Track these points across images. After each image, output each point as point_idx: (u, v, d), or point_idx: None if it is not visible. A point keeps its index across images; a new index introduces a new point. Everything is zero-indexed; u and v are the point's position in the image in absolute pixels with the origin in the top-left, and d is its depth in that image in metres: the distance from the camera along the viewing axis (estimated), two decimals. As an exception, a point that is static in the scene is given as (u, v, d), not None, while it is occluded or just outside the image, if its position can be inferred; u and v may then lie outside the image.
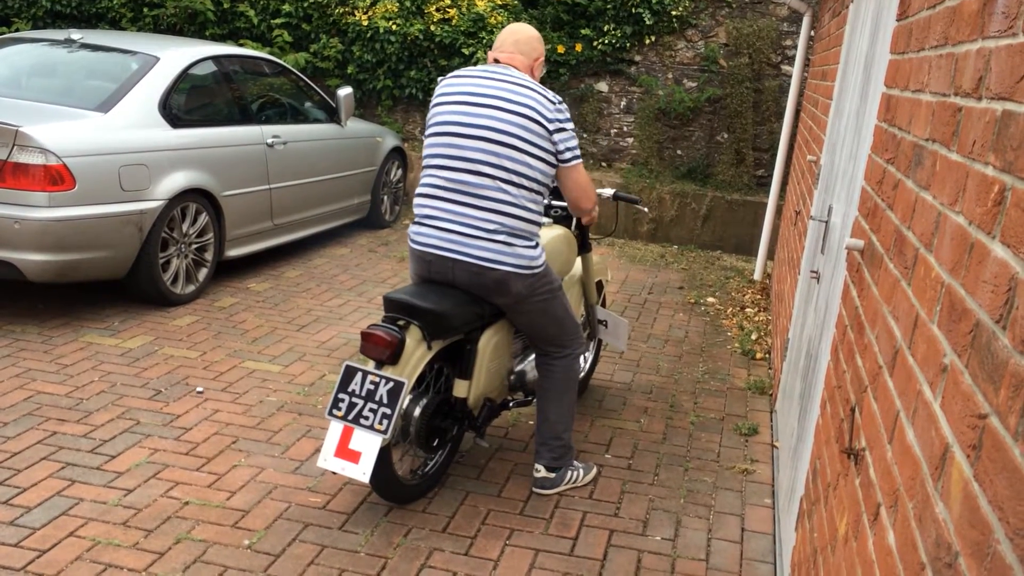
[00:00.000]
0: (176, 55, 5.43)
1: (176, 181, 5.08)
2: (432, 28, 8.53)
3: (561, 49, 8.46)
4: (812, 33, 6.85)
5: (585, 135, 8.83)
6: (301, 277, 6.12)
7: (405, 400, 3.07)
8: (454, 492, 3.42)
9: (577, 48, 8.48)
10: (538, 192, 3.16)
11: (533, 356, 3.63)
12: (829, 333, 2.74)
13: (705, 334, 5.68)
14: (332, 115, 6.82)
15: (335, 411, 2.97)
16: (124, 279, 4.99)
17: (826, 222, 3.36)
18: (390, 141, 7.67)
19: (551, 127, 3.10)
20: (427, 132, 3.22)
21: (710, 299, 6.49)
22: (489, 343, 3.32)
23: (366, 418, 2.93)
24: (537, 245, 3.18)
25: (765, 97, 8.29)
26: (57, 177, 4.48)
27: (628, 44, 8.50)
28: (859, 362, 2.02)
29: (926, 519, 1.24)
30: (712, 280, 7.10)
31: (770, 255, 7.39)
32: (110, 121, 4.84)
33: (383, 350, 2.99)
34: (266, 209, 5.95)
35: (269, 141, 5.92)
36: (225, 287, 5.71)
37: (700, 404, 4.52)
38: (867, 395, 1.85)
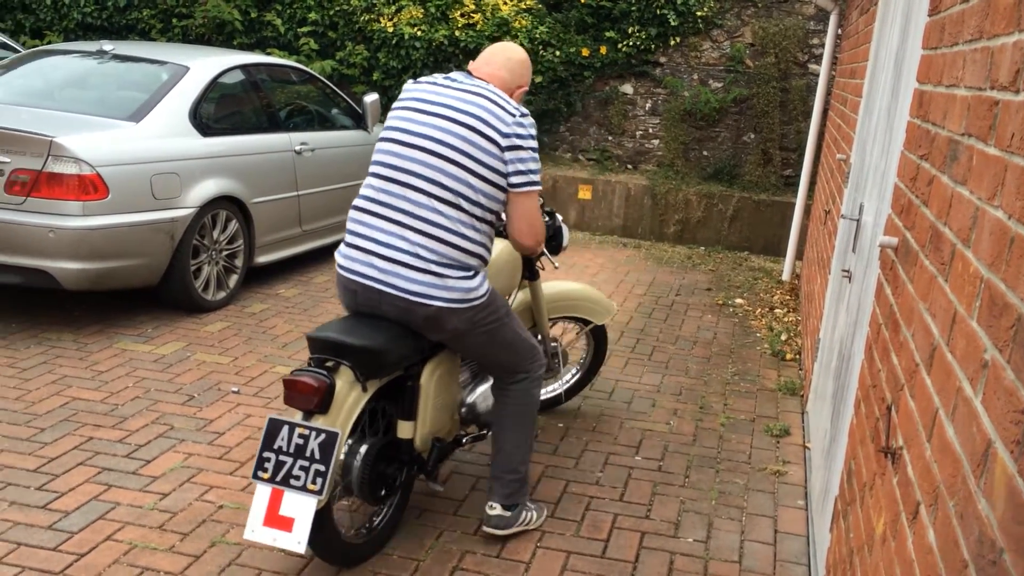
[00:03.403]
0: (205, 65, 5.50)
1: (207, 189, 5.13)
2: (457, 33, 8.57)
3: (586, 52, 8.46)
4: (840, 31, 6.79)
5: (610, 138, 8.82)
6: (329, 282, 6.16)
7: (341, 452, 2.72)
8: (485, 495, 3.42)
9: (602, 51, 8.48)
10: (482, 219, 2.76)
11: (486, 384, 3.33)
12: (862, 332, 2.71)
13: (734, 335, 5.64)
14: (359, 121, 6.87)
15: (260, 473, 2.59)
16: (157, 286, 5.05)
17: (857, 220, 3.33)
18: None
19: (504, 143, 2.71)
20: (377, 139, 2.97)
21: (738, 300, 6.46)
22: (432, 378, 2.95)
23: (296, 478, 2.56)
24: (476, 274, 2.78)
25: (792, 96, 8.24)
26: (91, 186, 4.54)
27: (653, 46, 8.48)
28: (895, 360, 2.00)
29: (968, 516, 1.22)
30: (740, 281, 7.06)
31: (799, 255, 7.33)
32: (142, 130, 4.91)
33: (310, 398, 2.61)
34: (295, 215, 6.00)
35: (297, 148, 5.97)
36: (255, 293, 5.76)
37: (730, 405, 4.49)
38: (904, 393, 1.83)
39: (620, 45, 8.46)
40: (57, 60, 5.62)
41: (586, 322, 4.01)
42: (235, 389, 2.77)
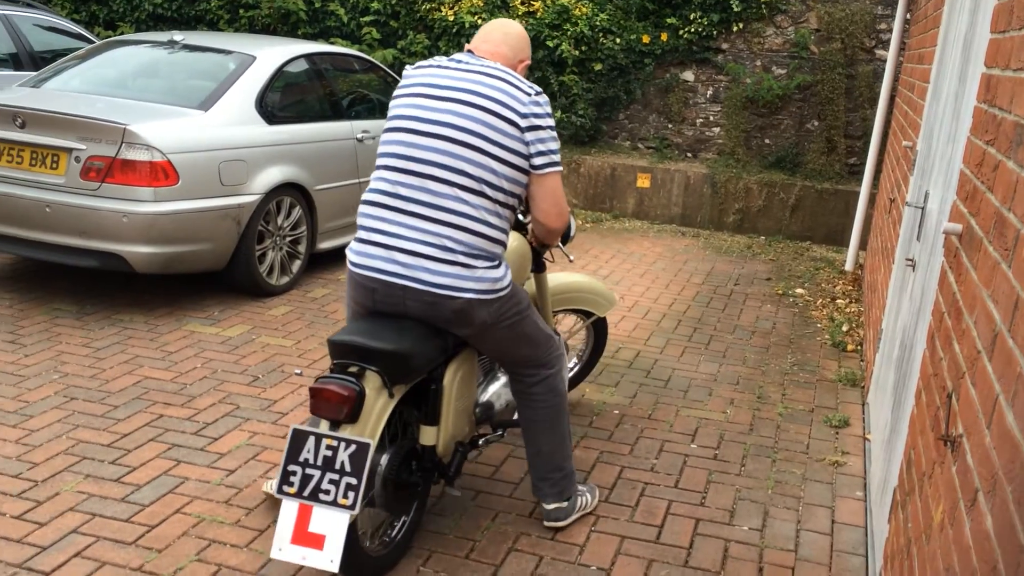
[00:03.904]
0: (271, 54, 5.62)
1: (272, 176, 5.26)
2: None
3: (646, 39, 8.41)
4: (908, 16, 6.63)
5: (670, 125, 8.75)
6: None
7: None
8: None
9: (662, 37, 8.41)
10: (504, 204, 2.65)
11: (499, 381, 3.26)
12: (925, 321, 2.67)
13: (794, 325, 5.58)
14: (419, 109, 6.92)
15: (286, 487, 2.44)
16: (223, 271, 5.20)
17: (922, 208, 3.27)
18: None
19: (523, 124, 2.60)
20: (383, 129, 2.74)
21: (799, 290, 6.37)
22: (455, 379, 2.84)
23: (326, 492, 2.42)
24: (501, 263, 2.68)
25: (858, 83, 8.07)
26: (162, 173, 4.69)
27: (715, 32, 8.38)
28: (956, 348, 1.98)
29: (1025, 502, 1.22)
30: (801, 271, 6.96)
31: (862, 245, 7.20)
32: (210, 119, 5.05)
33: (340, 408, 2.47)
34: (356, 202, 6.10)
35: (359, 136, 6.06)
36: (317, 278, 5.88)
37: (788, 395, 4.45)
38: (964, 381, 1.81)
39: (681, 31, 8.38)
40: (129, 50, 5.79)
41: (588, 314, 3.92)
42: (298, 371, 2.83)
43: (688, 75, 8.62)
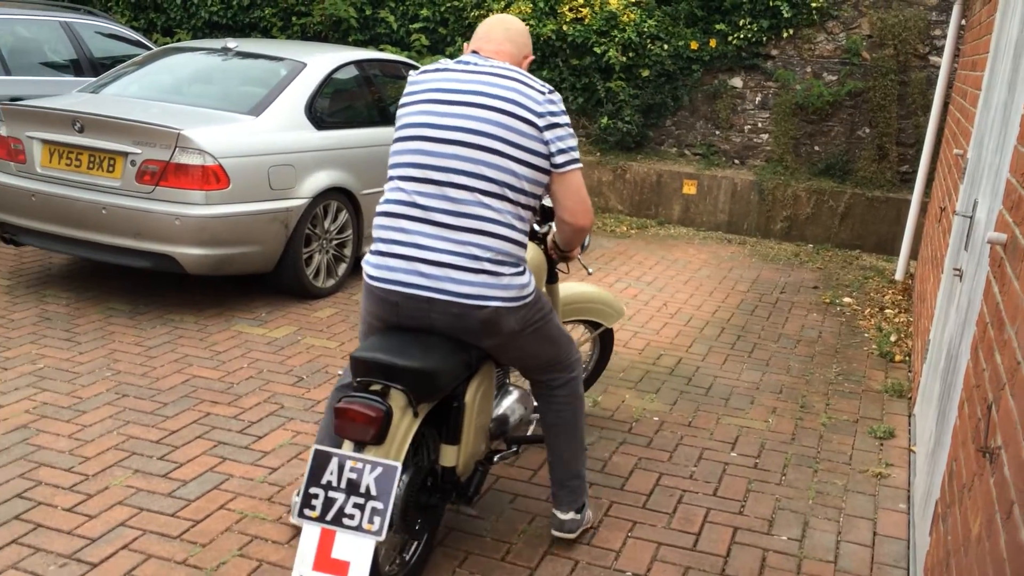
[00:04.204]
0: (321, 61, 5.72)
1: (319, 180, 5.35)
2: (564, 28, 8.60)
3: (694, 45, 8.37)
4: (963, 22, 6.51)
5: (718, 132, 8.69)
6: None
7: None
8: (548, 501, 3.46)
9: (711, 44, 8.36)
10: (526, 207, 2.59)
11: (512, 396, 3.15)
12: (970, 332, 2.63)
13: (840, 335, 5.50)
14: (466, 115, 6.98)
15: (307, 511, 2.32)
16: (271, 273, 5.30)
17: (970, 217, 3.22)
18: (521, 140, 7.78)
19: (541, 123, 2.53)
20: (393, 139, 2.66)
21: (846, 299, 6.28)
22: (476, 396, 2.74)
23: (351, 516, 2.30)
24: (525, 269, 2.61)
25: (911, 90, 7.94)
26: (213, 177, 4.80)
27: (765, 38, 8.31)
28: (998, 359, 1.95)
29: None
30: (849, 280, 6.86)
31: (913, 254, 7.07)
32: (261, 124, 5.15)
33: (366, 429, 2.36)
34: (402, 207, 6.17)
35: (405, 141, 6.13)
36: (361, 282, 5.95)
37: (832, 405, 4.39)
38: (1004, 392, 1.79)
39: (730, 38, 8.33)
40: (184, 57, 5.94)
41: (596, 325, 3.86)
42: (341, 372, 2.88)
43: (736, 81, 8.55)
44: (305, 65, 5.61)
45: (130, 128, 4.80)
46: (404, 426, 2.46)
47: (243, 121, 5.11)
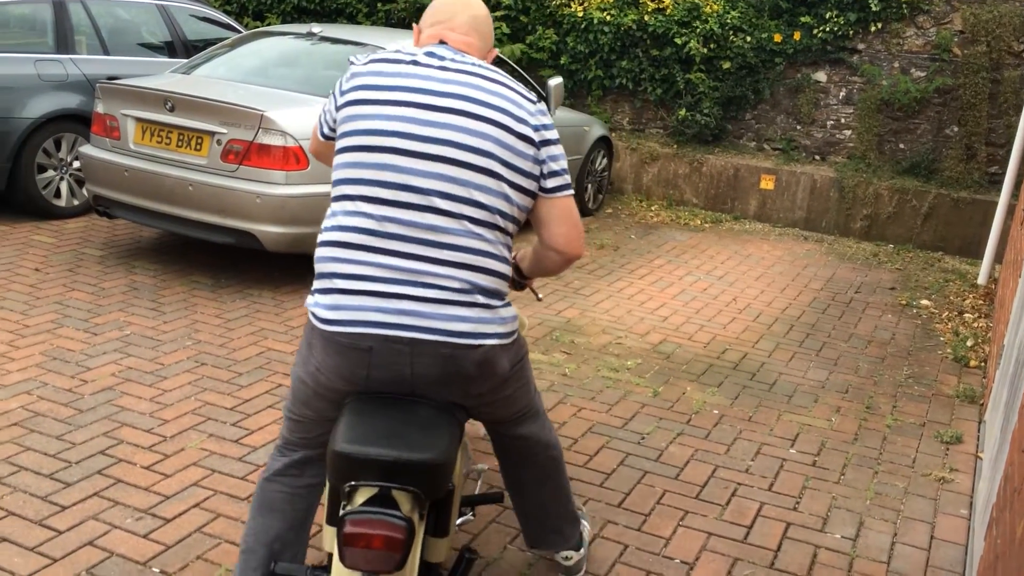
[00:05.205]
0: (403, 47, 5.82)
1: (395, 164, 5.47)
2: (646, 18, 8.56)
3: (778, 38, 8.23)
4: (1061, 18, 6.25)
5: (798, 127, 8.54)
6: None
7: None
8: (632, 471, 3.51)
9: (795, 36, 8.22)
10: (512, 235, 2.15)
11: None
12: (1036, 337, 2.58)
13: (914, 337, 5.39)
14: (542, 104, 7.03)
15: None
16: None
17: (1048, 221, 3.13)
18: (596, 130, 7.80)
19: (537, 138, 2.09)
20: (338, 144, 2.10)
21: (924, 302, 6.14)
22: (459, 470, 2.34)
23: None
24: (508, 300, 2.17)
25: (1004, 88, 7.66)
26: (294, 158, 4.97)
27: (851, 32, 8.12)
28: (1054, 364, 1.93)
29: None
30: (929, 282, 6.69)
31: (999, 258, 6.85)
32: (340, 107, 5.29)
33: (390, 556, 1.83)
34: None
35: (481, 128, 6.21)
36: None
37: (899, 408, 4.32)
38: (1056, 397, 1.77)
39: (816, 31, 8.17)
40: (272, 41, 6.14)
41: None
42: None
43: (820, 75, 8.39)
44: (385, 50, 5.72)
45: (217, 108, 5.00)
46: (417, 539, 1.95)
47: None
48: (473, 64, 2.13)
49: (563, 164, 2.14)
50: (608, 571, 2.86)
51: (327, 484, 2.14)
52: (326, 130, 2.24)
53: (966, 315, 5.87)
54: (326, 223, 2.06)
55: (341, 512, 1.89)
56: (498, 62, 6.83)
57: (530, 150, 2.07)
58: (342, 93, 2.13)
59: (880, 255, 7.47)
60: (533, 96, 2.14)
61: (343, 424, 1.97)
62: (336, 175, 2.07)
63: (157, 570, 2.69)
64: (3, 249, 5.55)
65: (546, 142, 2.11)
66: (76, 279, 5.13)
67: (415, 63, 2.11)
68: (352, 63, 2.17)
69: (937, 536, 3.20)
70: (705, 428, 3.94)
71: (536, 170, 2.10)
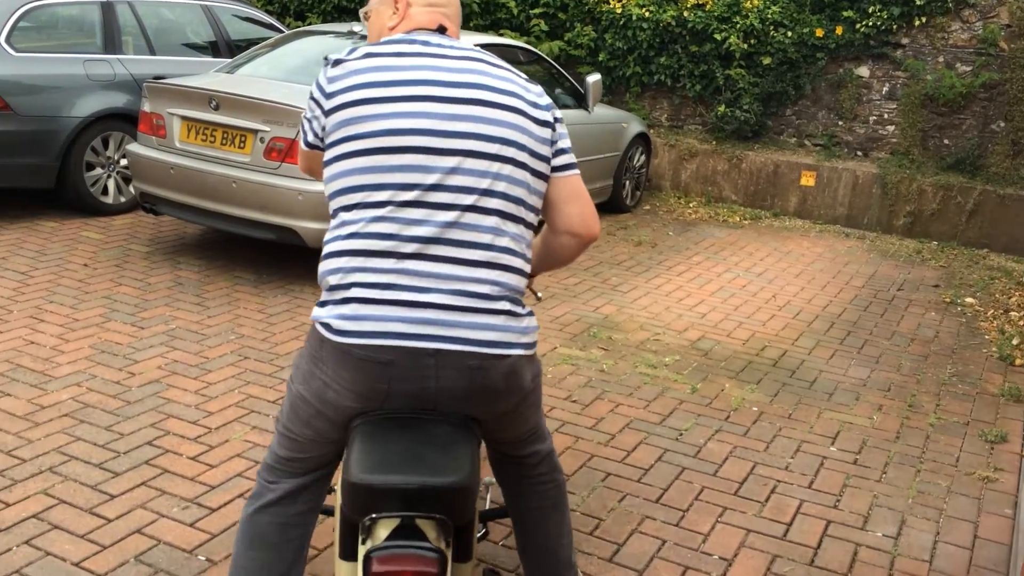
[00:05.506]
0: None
1: (434, 161, 5.51)
2: (685, 14, 8.52)
3: (819, 33, 8.14)
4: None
5: (840, 123, 8.45)
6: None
7: None
8: (671, 467, 3.51)
9: (837, 31, 8.12)
10: (532, 228, 2.02)
11: None
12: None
13: (958, 335, 5.31)
14: (580, 101, 7.05)
15: None
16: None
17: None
18: (635, 127, 7.78)
19: (552, 120, 2.02)
20: (339, 150, 1.90)
21: (968, 299, 6.04)
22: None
23: None
24: (531, 312, 2.02)
25: (1053, 82, 7.50)
26: (334, 155, 5.03)
27: (895, 26, 8.01)
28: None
29: None
30: (974, 280, 6.58)
31: (1046, 256, 6.72)
32: (380, 105, 5.35)
33: None
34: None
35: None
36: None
37: (943, 406, 4.26)
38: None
39: (858, 25, 8.06)
40: (313, 40, 6.21)
41: None
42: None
43: (863, 70, 8.28)
44: (425, 49, 5.77)
45: (260, 107, 5.08)
46: (448, 570, 1.80)
47: (364, 102, 5.31)
48: (470, 49, 2.01)
49: (568, 142, 2.06)
50: (646, 566, 2.86)
51: (338, 515, 2.00)
52: (311, 138, 2.02)
53: (1012, 313, 5.77)
54: (335, 232, 1.90)
55: (364, 548, 1.75)
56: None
57: (547, 133, 1.99)
58: (328, 96, 1.92)
59: (924, 252, 7.36)
60: (530, 79, 2.06)
61: (356, 451, 1.80)
62: (343, 183, 1.89)
63: (203, 558, 2.75)
64: (53, 245, 5.70)
65: (558, 121, 2.03)
66: (123, 274, 5.25)
67: (420, 55, 1.94)
68: (329, 61, 1.97)
69: (980, 535, 3.16)
70: (744, 425, 3.92)
71: (548, 152, 2.00)
